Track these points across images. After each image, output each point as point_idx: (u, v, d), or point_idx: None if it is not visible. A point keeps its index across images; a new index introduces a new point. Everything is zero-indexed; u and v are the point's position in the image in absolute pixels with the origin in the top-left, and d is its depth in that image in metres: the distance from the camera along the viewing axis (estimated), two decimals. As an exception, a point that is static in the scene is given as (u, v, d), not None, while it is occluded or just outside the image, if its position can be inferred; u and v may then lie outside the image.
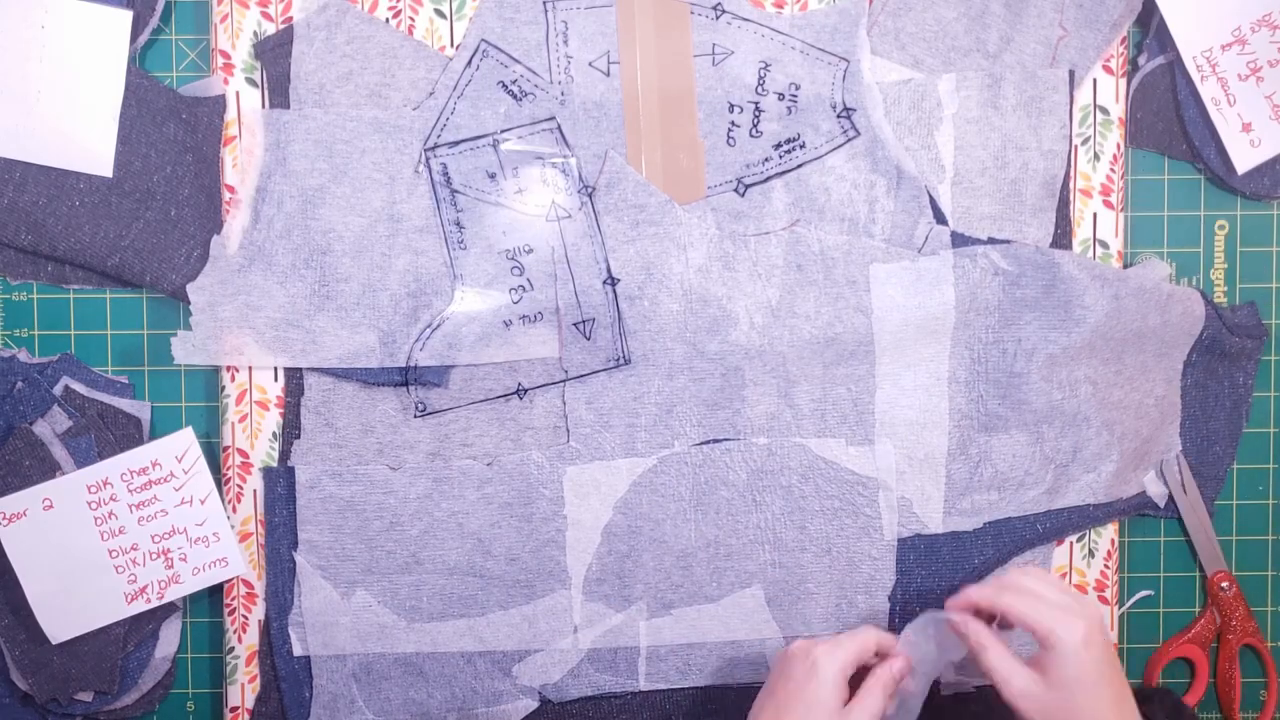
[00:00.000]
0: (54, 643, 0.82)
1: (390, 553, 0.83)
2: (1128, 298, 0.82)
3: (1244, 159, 0.84)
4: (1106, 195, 0.85)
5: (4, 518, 0.81)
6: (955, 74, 0.83)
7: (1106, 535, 0.86)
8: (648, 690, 0.85)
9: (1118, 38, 0.83)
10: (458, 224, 0.82)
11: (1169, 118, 0.86)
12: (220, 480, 0.84)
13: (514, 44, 0.82)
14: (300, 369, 0.83)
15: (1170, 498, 0.86)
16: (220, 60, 0.83)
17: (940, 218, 0.83)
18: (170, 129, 0.83)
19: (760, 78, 0.83)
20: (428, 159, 0.82)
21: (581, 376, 0.83)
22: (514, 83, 0.82)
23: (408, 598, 0.84)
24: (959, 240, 0.83)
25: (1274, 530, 0.89)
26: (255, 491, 0.84)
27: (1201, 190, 0.87)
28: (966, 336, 0.83)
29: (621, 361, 0.83)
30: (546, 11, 0.82)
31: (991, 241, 0.83)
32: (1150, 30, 0.85)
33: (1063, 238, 0.84)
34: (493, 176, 0.82)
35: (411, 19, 0.83)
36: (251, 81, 0.83)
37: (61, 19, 0.81)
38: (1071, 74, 0.83)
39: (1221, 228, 0.87)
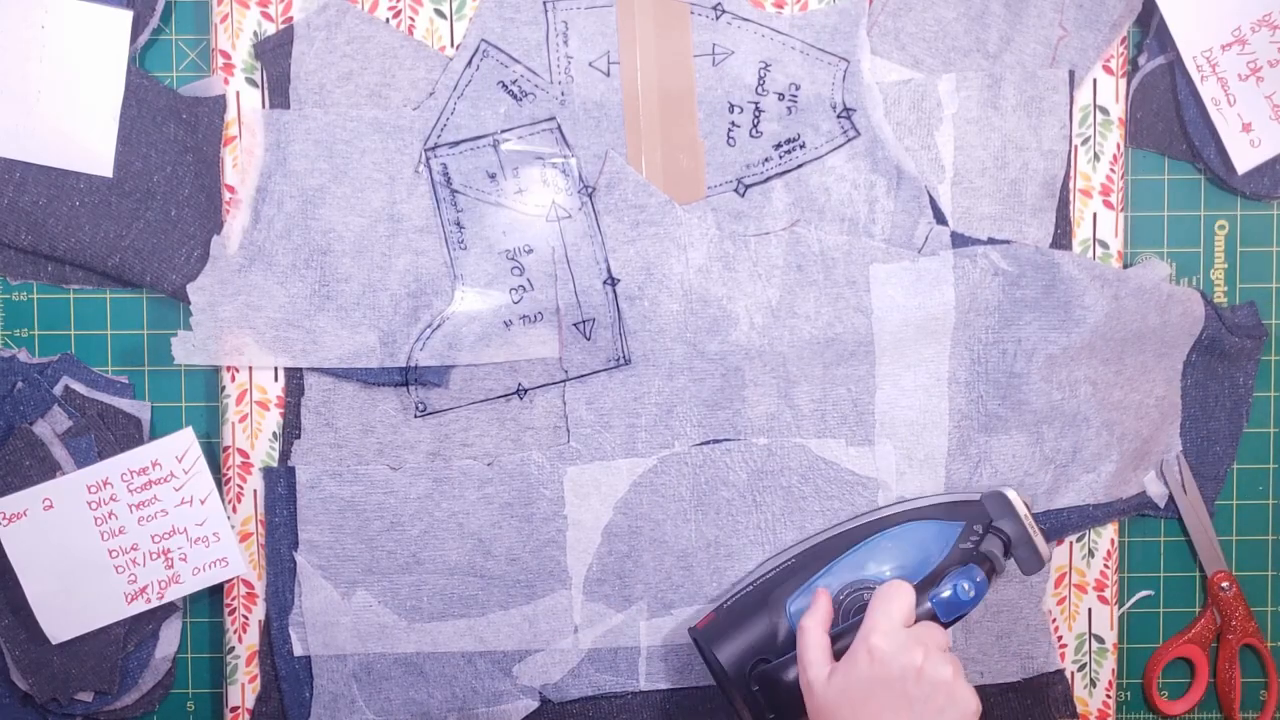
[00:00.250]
0: (54, 643, 0.82)
1: (390, 553, 0.83)
2: (1128, 298, 0.82)
3: (1244, 159, 0.84)
4: (1106, 195, 0.85)
5: (4, 518, 0.81)
6: (955, 74, 0.83)
7: (1106, 535, 0.86)
8: (648, 690, 0.85)
9: (1118, 38, 0.83)
10: (458, 224, 0.82)
11: (1169, 118, 0.86)
12: (220, 480, 0.84)
13: (514, 44, 0.82)
14: (300, 369, 0.83)
15: (1170, 498, 0.86)
16: (220, 60, 0.83)
17: (940, 218, 0.83)
18: (170, 129, 0.83)
19: (760, 78, 0.83)
20: (428, 159, 0.82)
21: (582, 377, 0.83)
22: (514, 83, 0.82)
23: (408, 598, 0.84)
24: (959, 240, 0.83)
25: (1274, 530, 0.89)
26: (255, 491, 0.84)
27: (1201, 190, 0.87)
28: (966, 337, 0.83)
29: (621, 361, 0.83)
30: (546, 11, 0.82)
31: (991, 242, 0.83)
32: (1150, 30, 0.85)
33: (1063, 238, 0.84)
34: (493, 177, 0.82)
35: (411, 19, 0.83)
36: (251, 81, 0.83)
37: (61, 19, 0.81)
38: (1071, 74, 0.83)
39: (1221, 228, 0.87)
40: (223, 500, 0.84)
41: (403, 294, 0.82)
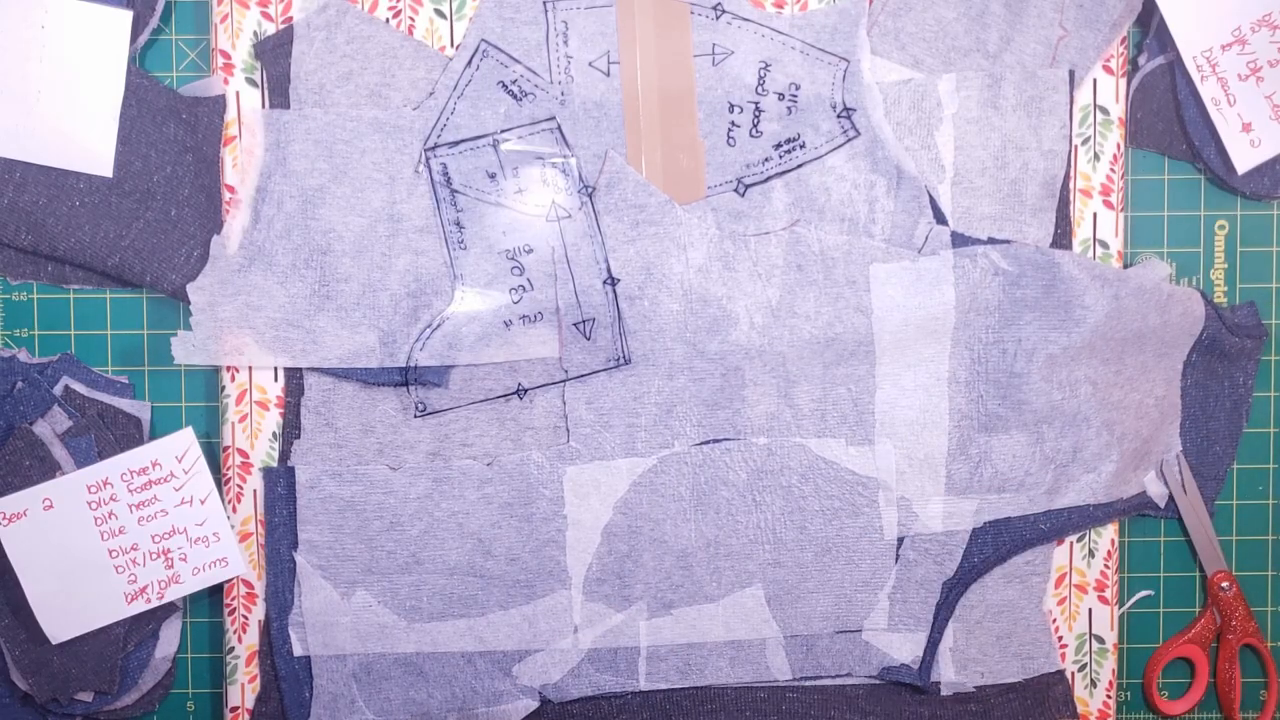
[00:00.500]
0: (54, 643, 0.82)
1: (390, 553, 0.83)
2: (1128, 298, 0.82)
3: (1244, 159, 0.84)
4: (1106, 195, 0.85)
5: (4, 518, 0.81)
6: (955, 74, 0.83)
7: (1106, 535, 0.86)
8: (648, 690, 0.85)
9: (1118, 38, 0.83)
10: (458, 224, 0.82)
11: (1169, 118, 0.86)
12: (220, 480, 0.84)
13: (514, 44, 0.82)
14: (300, 369, 0.83)
15: (1170, 498, 0.86)
16: (220, 60, 0.83)
17: (940, 218, 0.83)
18: (170, 129, 0.83)
19: (760, 78, 0.83)
20: (428, 159, 0.82)
21: (582, 376, 0.83)
22: (514, 83, 0.82)
23: (408, 598, 0.84)
24: (959, 240, 0.83)
25: (1274, 530, 0.89)
26: (255, 491, 0.84)
27: (1201, 190, 0.87)
28: (966, 336, 0.83)
29: (622, 361, 0.83)
30: (546, 11, 0.82)
31: (991, 241, 0.83)
32: (1150, 30, 0.85)
33: (1063, 238, 0.84)
34: (493, 176, 0.82)
35: (411, 19, 0.83)
36: (251, 81, 0.83)
37: (61, 19, 0.81)
38: (1071, 74, 0.83)
39: (1221, 228, 0.87)
40: (223, 500, 0.84)
41: (403, 294, 0.82)
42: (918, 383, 0.83)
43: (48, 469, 0.82)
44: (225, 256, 0.82)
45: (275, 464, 0.84)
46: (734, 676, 0.85)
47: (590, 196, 0.82)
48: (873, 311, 0.83)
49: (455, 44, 0.83)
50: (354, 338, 0.82)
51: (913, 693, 0.86)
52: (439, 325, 0.82)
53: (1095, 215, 0.85)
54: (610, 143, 0.83)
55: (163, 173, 0.83)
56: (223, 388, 0.84)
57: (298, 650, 0.84)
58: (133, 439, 0.84)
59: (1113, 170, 0.84)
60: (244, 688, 0.85)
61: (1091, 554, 0.86)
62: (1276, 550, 0.89)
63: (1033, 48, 0.83)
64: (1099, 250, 0.85)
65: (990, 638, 0.85)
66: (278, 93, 0.83)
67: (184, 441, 0.83)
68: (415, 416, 0.83)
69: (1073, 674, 0.86)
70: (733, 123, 0.83)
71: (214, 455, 0.85)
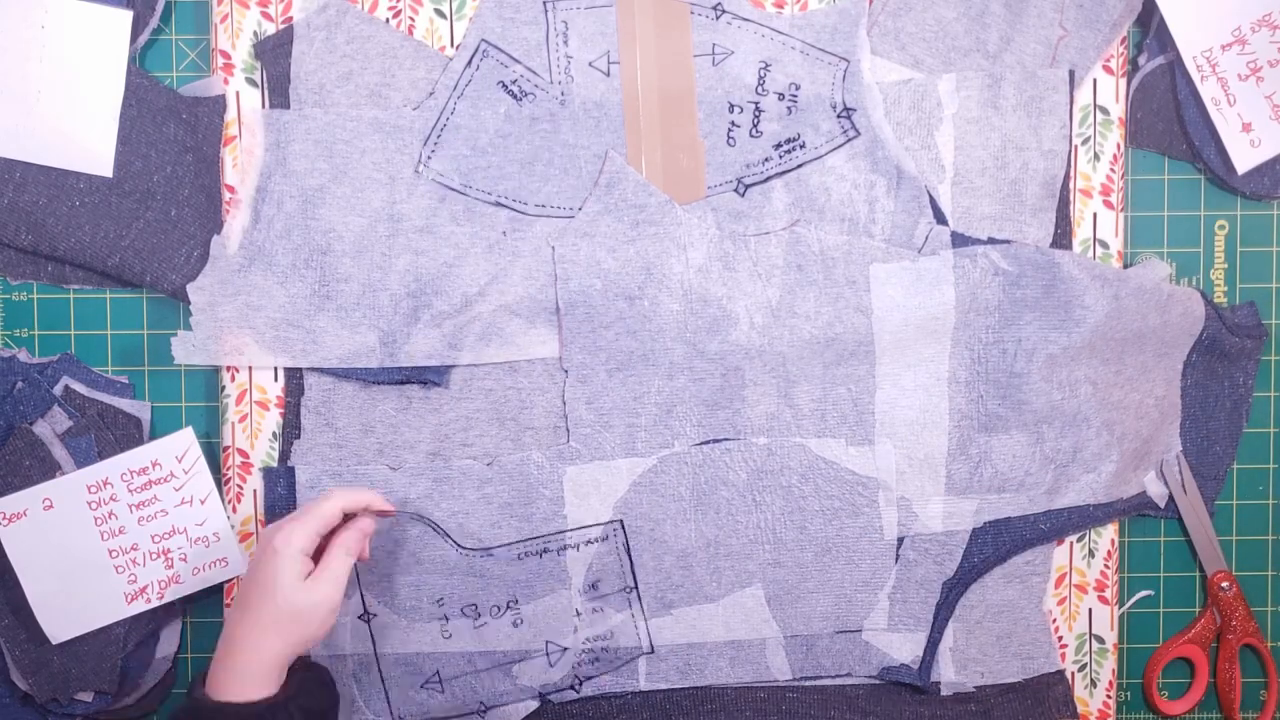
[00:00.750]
0: (54, 643, 0.82)
1: (390, 552, 0.83)
2: (1128, 298, 0.82)
3: (1244, 159, 0.84)
4: (1106, 195, 0.85)
5: (4, 518, 0.81)
6: (955, 74, 0.83)
7: (1106, 535, 0.86)
8: (648, 690, 0.85)
9: (1118, 38, 0.83)
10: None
11: (1169, 118, 0.86)
12: (220, 480, 0.84)
13: (514, 44, 0.82)
14: (300, 369, 0.83)
15: (1170, 498, 0.86)
16: (220, 60, 0.83)
17: (940, 218, 0.83)
18: (170, 129, 0.83)
19: (760, 78, 0.83)
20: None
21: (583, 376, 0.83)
22: (514, 83, 0.82)
23: (408, 598, 0.84)
24: (959, 240, 0.83)
25: (1274, 530, 0.89)
26: (255, 491, 0.84)
27: (1201, 190, 0.87)
28: (966, 336, 0.83)
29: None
30: (546, 11, 0.82)
31: (991, 241, 0.83)
32: (1150, 30, 0.85)
33: (1063, 238, 0.84)
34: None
35: (411, 19, 0.83)
36: (251, 81, 0.83)
37: (61, 19, 0.81)
38: (1071, 74, 0.83)
39: (1221, 228, 0.87)
40: (223, 500, 0.84)
41: (403, 294, 0.82)
42: (918, 383, 0.83)
43: (48, 469, 0.82)
44: (225, 256, 0.82)
45: (275, 464, 0.84)
46: (734, 676, 0.85)
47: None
48: (873, 311, 0.83)
49: (455, 44, 0.83)
50: (354, 338, 0.82)
51: (913, 693, 0.86)
52: (440, 325, 0.82)
53: (1095, 215, 0.85)
54: (610, 143, 0.82)
55: (163, 173, 0.83)
56: (223, 388, 0.84)
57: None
58: (133, 439, 0.84)
59: (1113, 170, 0.84)
60: (244, 688, 0.85)
61: (1091, 554, 0.86)
62: (1276, 550, 0.89)
63: (1033, 48, 0.83)
64: (1099, 250, 0.85)
65: (990, 638, 0.85)
66: (278, 93, 0.83)
67: (184, 441, 0.82)
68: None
69: (1073, 674, 0.86)
70: (733, 123, 0.83)
71: (214, 455, 0.85)
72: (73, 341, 0.86)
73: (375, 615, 0.83)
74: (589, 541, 0.84)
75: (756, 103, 0.83)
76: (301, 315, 0.82)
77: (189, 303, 0.82)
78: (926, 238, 0.83)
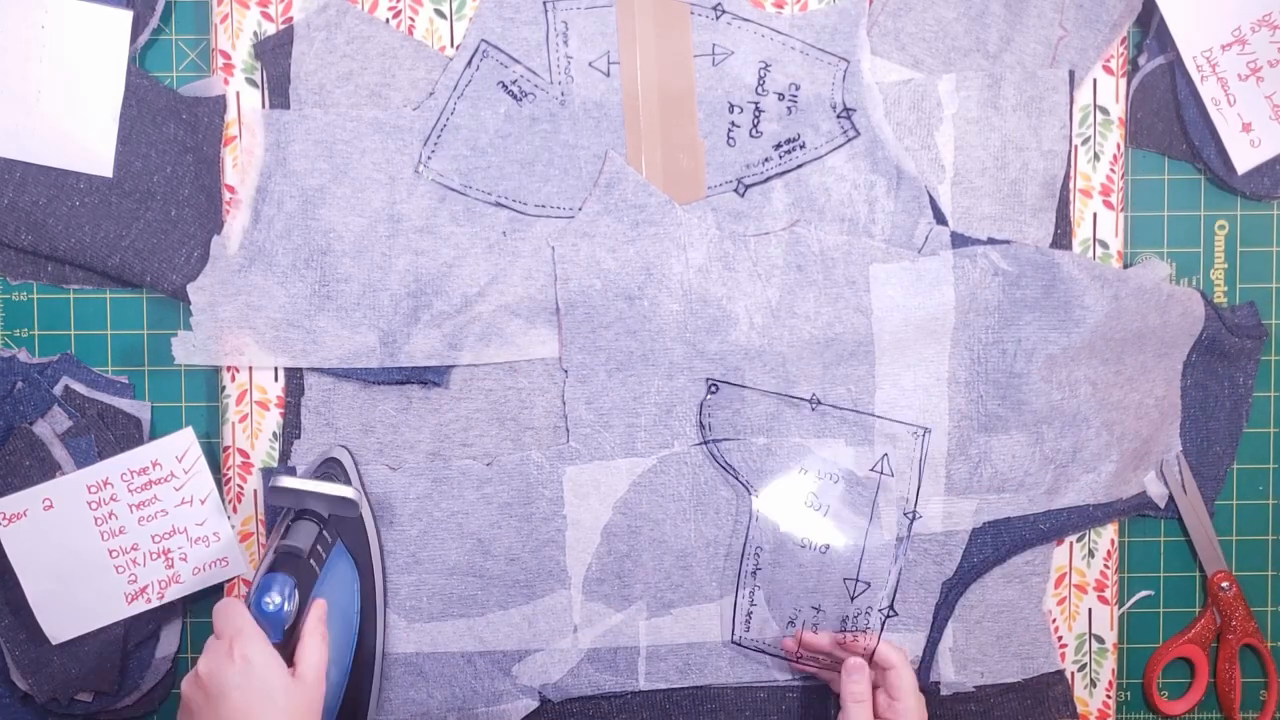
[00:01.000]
0: (54, 643, 0.82)
1: (390, 553, 0.83)
2: (1128, 298, 0.82)
3: (1244, 159, 0.84)
4: (1106, 195, 0.85)
5: (4, 518, 0.81)
6: (955, 74, 0.83)
7: (1106, 535, 0.86)
8: (648, 690, 0.85)
9: (1118, 38, 0.83)
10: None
11: (1169, 118, 0.86)
12: (220, 480, 0.84)
13: (514, 44, 0.82)
14: (300, 369, 0.83)
15: (1170, 498, 0.86)
16: (220, 60, 0.83)
17: (940, 218, 0.83)
18: (170, 129, 0.83)
19: (760, 78, 0.83)
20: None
21: (583, 376, 0.83)
22: (514, 83, 0.82)
23: (408, 598, 0.84)
24: (959, 240, 0.83)
25: (1274, 530, 0.89)
26: (255, 491, 0.84)
27: (1201, 190, 0.87)
28: (966, 337, 0.83)
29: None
30: (546, 11, 0.82)
31: (991, 242, 0.83)
32: (1150, 30, 0.85)
33: (1063, 238, 0.84)
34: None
35: (411, 19, 0.83)
36: (251, 81, 0.83)
37: (61, 19, 0.81)
38: (1071, 74, 0.83)
39: (1221, 228, 0.87)
40: (223, 500, 0.84)
41: (403, 294, 0.82)
42: (918, 383, 0.83)
43: (48, 469, 0.82)
44: (225, 256, 0.82)
45: (275, 464, 0.84)
46: (734, 676, 0.85)
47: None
48: (873, 311, 0.83)
49: (455, 44, 0.83)
50: (354, 338, 0.82)
51: (913, 693, 0.86)
52: (441, 324, 0.82)
53: (1095, 215, 0.85)
54: (610, 143, 0.83)
55: (163, 173, 0.83)
56: (223, 388, 0.84)
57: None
58: (133, 439, 0.84)
59: (1113, 170, 0.84)
60: (244, 688, 0.85)
61: (1091, 554, 0.86)
62: (1276, 550, 0.89)
63: (1033, 48, 0.83)
64: (1099, 250, 0.85)
65: (990, 638, 0.85)
66: (278, 93, 0.83)
67: (184, 441, 0.83)
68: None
69: (1073, 674, 0.86)
70: (733, 123, 0.83)
71: (214, 455, 0.85)
72: (73, 341, 0.86)
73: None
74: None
75: (756, 103, 0.83)
76: (301, 315, 0.82)
77: (189, 303, 0.82)
78: (926, 238, 0.83)
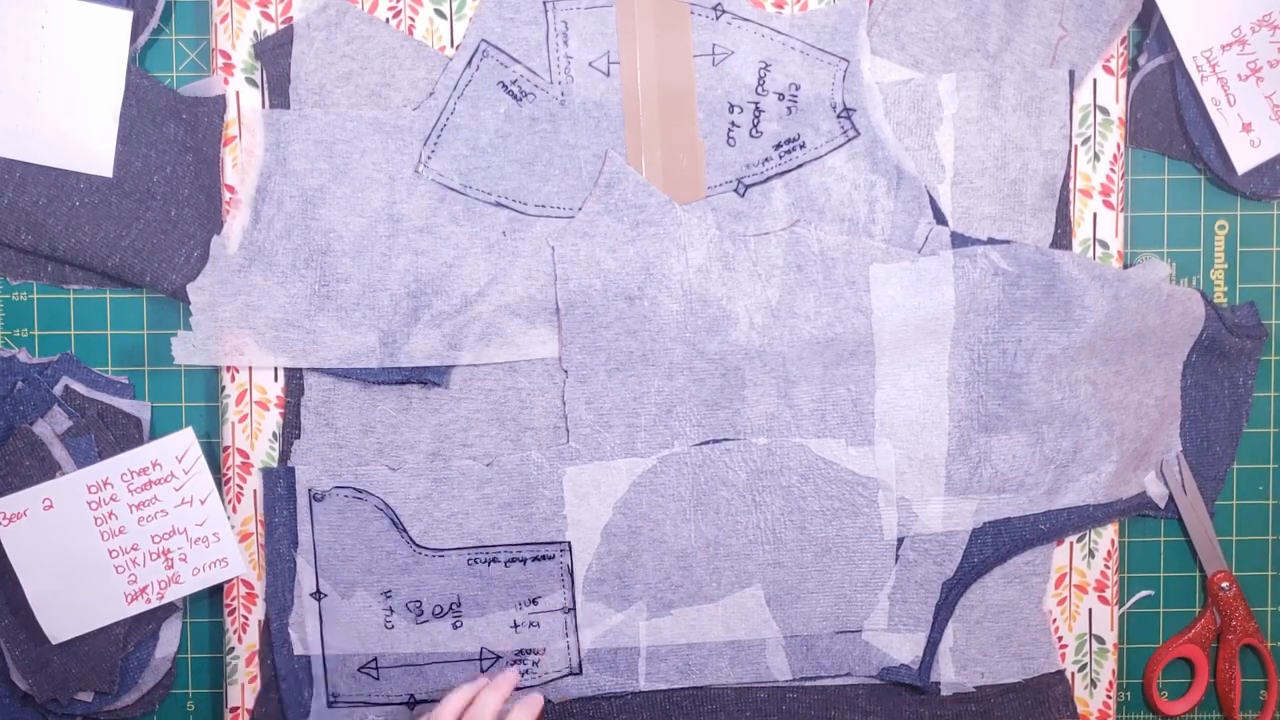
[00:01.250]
0: (54, 643, 0.82)
1: (390, 553, 0.83)
2: (1128, 298, 0.82)
3: (1244, 159, 0.84)
4: (1106, 195, 0.85)
5: (4, 518, 0.81)
6: (955, 74, 0.83)
7: (1106, 535, 0.86)
8: (648, 690, 0.85)
9: (1118, 38, 0.83)
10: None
11: (1169, 118, 0.86)
12: (220, 480, 0.84)
13: (514, 44, 0.82)
14: (300, 369, 0.83)
15: (1170, 498, 0.86)
16: (220, 60, 0.83)
17: (940, 218, 0.83)
18: (170, 129, 0.83)
19: (760, 78, 0.83)
20: None
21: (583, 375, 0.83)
22: (514, 83, 0.82)
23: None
24: (959, 240, 0.83)
25: (1274, 530, 0.89)
26: (255, 491, 0.84)
27: (1201, 190, 0.87)
28: (966, 337, 0.83)
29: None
30: (546, 11, 0.82)
31: (991, 242, 0.83)
32: (1150, 30, 0.85)
33: (1063, 238, 0.84)
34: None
35: (411, 19, 0.83)
36: (251, 81, 0.83)
37: (61, 19, 0.81)
38: (1071, 74, 0.83)
39: (1221, 228, 0.87)
40: (223, 500, 0.84)
41: (403, 294, 0.82)
42: (918, 383, 0.83)
43: (48, 469, 0.82)
44: (225, 256, 0.82)
45: (275, 464, 0.84)
46: (734, 676, 0.85)
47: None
48: (873, 311, 0.83)
49: (455, 44, 0.83)
50: (354, 338, 0.82)
51: (913, 693, 0.86)
52: (440, 324, 0.82)
53: (1095, 215, 0.85)
54: (610, 143, 0.83)
55: (163, 173, 0.83)
56: (223, 388, 0.84)
57: (298, 650, 0.84)
58: (133, 439, 0.84)
59: (1113, 170, 0.84)
60: (244, 688, 0.85)
61: (1091, 554, 0.86)
62: (1276, 550, 0.89)
63: (1033, 48, 0.83)
64: (1099, 250, 0.85)
65: (990, 638, 0.85)
66: (278, 93, 0.83)
67: (184, 441, 0.83)
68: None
69: (1073, 674, 0.86)
70: (733, 123, 0.83)
71: (214, 455, 0.85)
72: (73, 341, 0.86)
73: (325, 595, 0.83)
74: (537, 558, 0.84)
75: (756, 103, 0.83)
76: (301, 315, 0.82)
77: (189, 303, 0.82)
78: (926, 238, 0.83)
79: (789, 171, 0.83)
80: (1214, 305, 0.85)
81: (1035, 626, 0.85)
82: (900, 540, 0.84)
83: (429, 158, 0.82)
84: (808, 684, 0.85)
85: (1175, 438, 0.86)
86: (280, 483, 0.83)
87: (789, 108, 0.83)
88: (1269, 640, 0.88)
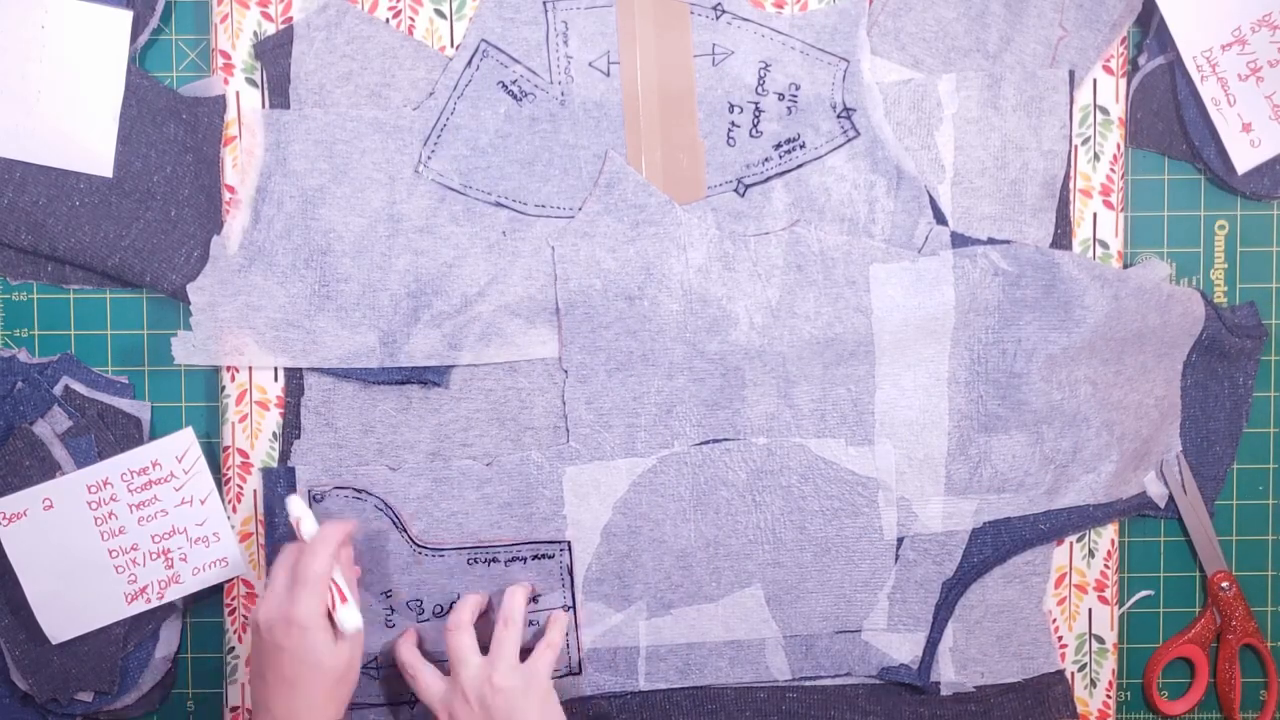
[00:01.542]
0: (54, 643, 0.82)
1: (390, 553, 0.83)
2: (1128, 298, 0.82)
3: (1244, 159, 0.84)
4: (1106, 195, 0.85)
5: (4, 518, 0.81)
6: (955, 74, 0.83)
7: (1106, 535, 0.86)
8: (648, 690, 0.85)
9: (1118, 38, 0.83)
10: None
11: (1169, 118, 0.86)
12: (220, 480, 0.84)
13: (514, 44, 0.82)
14: (300, 369, 0.83)
15: (1170, 498, 0.86)
16: (220, 60, 0.83)
17: (940, 218, 0.83)
18: (170, 129, 0.83)
19: (760, 78, 0.83)
20: None
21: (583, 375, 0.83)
22: (514, 83, 0.82)
23: (408, 597, 0.84)
24: (959, 240, 0.83)
25: (1274, 530, 0.89)
26: (255, 491, 0.84)
27: (1201, 190, 0.87)
28: (966, 337, 0.83)
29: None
30: (546, 11, 0.82)
31: (991, 242, 0.83)
32: (1150, 30, 0.85)
33: (1063, 238, 0.84)
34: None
35: (411, 19, 0.83)
36: (251, 81, 0.83)
37: (61, 19, 0.81)
38: (1071, 74, 0.83)
39: (1221, 228, 0.87)
40: (223, 500, 0.84)
41: (403, 294, 0.82)
42: (918, 383, 0.83)
43: (48, 469, 0.82)
44: (225, 256, 0.82)
45: (275, 464, 0.84)
46: (734, 676, 0.85)
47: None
48: (873, 311, 0.83)
49: (455, 44, 0.83)
50: (354, 338, 0.82)
51: (912, 693, 0.86)
52: (440, 324, 0.82)
53: (1095, 215, 0.85)
54: (610, 143, 0.83)
55: (163, 173, 0.83)
56: (223, 388, 0.84)
57: (298, 650, 0.84)
58: (133, 439, 0.84)
59: (1113, 170, 0.84)
60: (244, 688, 0.85)
61: (1091, 554, 0.86)
62: (1276, 550, 0.89)
63: (1033, 48, 0.83)
64: (1099, 250, 0.85)
65: (990, 638, 0.85)
66: (278, 93, 0.83)
67: (184, 441, 0.83)
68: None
69: (1073, 674, 0.86)
70: (733, 123, 0.83)
71: (214, 455, 0.85)
72: (73, 341, 0.86)
73: None
74: (536, 557, 0.84)
75: (756, 103, 0.83)
76: (301, 315, 0.82)
77: (189, 303, 0.82)
78: (926, 238, 0.83)
79: (789, 171, 0.83)
80: (1214, 305, 0.85)
81: (1035, 626, 0.85)
82: (900, 540, 0.84)
83: (429, 158, 0.82)
84: (807, 684, 0.85)
85: (1175, 438, 0.86)
86: (280, 483, 0.83)
87: (789, 108, 0.83)
88: (1269, 640, 0.88)
